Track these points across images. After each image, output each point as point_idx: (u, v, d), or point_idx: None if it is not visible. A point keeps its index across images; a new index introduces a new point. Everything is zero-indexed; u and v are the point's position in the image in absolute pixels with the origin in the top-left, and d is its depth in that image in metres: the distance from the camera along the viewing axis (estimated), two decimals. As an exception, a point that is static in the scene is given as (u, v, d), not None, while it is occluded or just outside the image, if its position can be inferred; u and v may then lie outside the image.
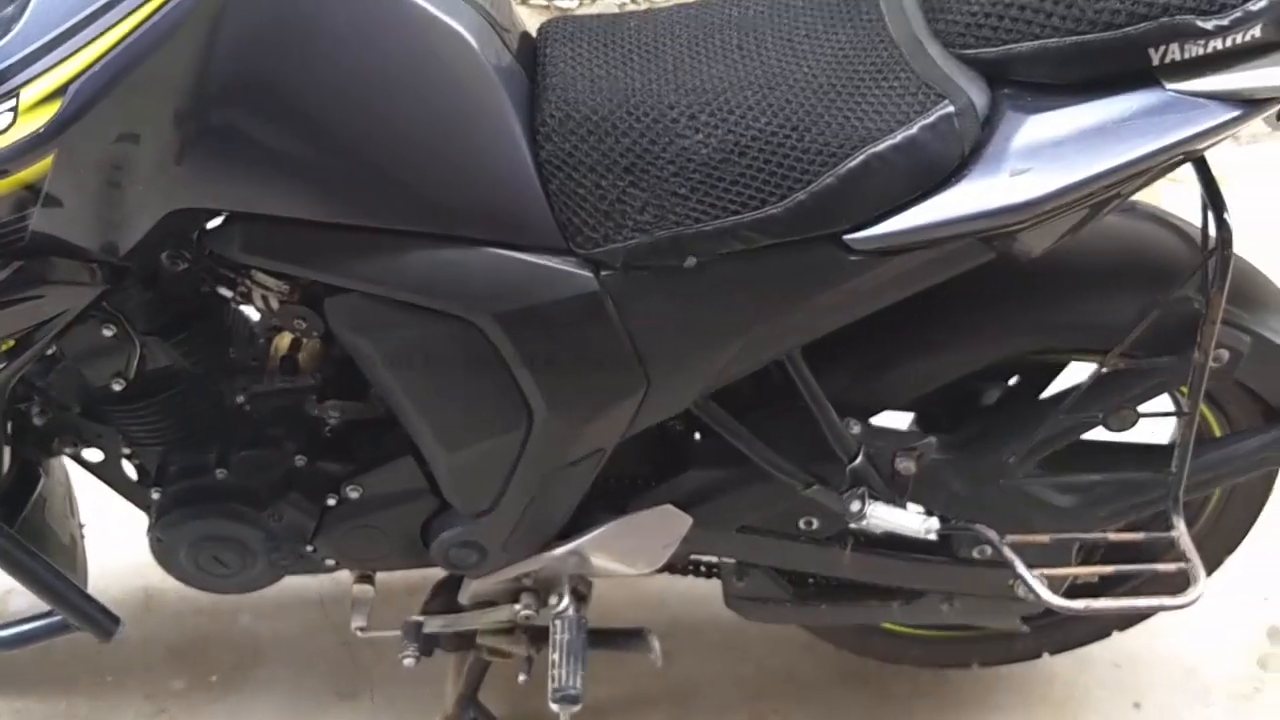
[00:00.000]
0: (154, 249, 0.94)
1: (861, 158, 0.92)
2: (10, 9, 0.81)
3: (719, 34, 1.03)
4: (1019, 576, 1.15)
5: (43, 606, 1.10)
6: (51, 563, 0.97)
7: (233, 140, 0.89)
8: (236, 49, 0.85)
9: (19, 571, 0.95)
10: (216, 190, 0.91)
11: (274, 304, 1.08)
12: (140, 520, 1.22)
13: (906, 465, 1.17)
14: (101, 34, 0.80)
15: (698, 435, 1.23)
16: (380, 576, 1.34)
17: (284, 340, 1.20)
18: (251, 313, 1.17)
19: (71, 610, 0.97)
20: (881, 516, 1.16)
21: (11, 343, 0.93)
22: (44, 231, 0.87)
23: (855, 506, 1.15)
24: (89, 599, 0.98)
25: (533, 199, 0.97)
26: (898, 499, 1.18)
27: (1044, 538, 1.19)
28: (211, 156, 0.89)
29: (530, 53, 1.04)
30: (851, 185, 0.93)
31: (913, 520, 1.16)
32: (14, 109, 0.80)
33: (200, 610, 1.63)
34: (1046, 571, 1.19)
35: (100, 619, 0.99)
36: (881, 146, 0.92)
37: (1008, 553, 1.16)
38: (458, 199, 0.96)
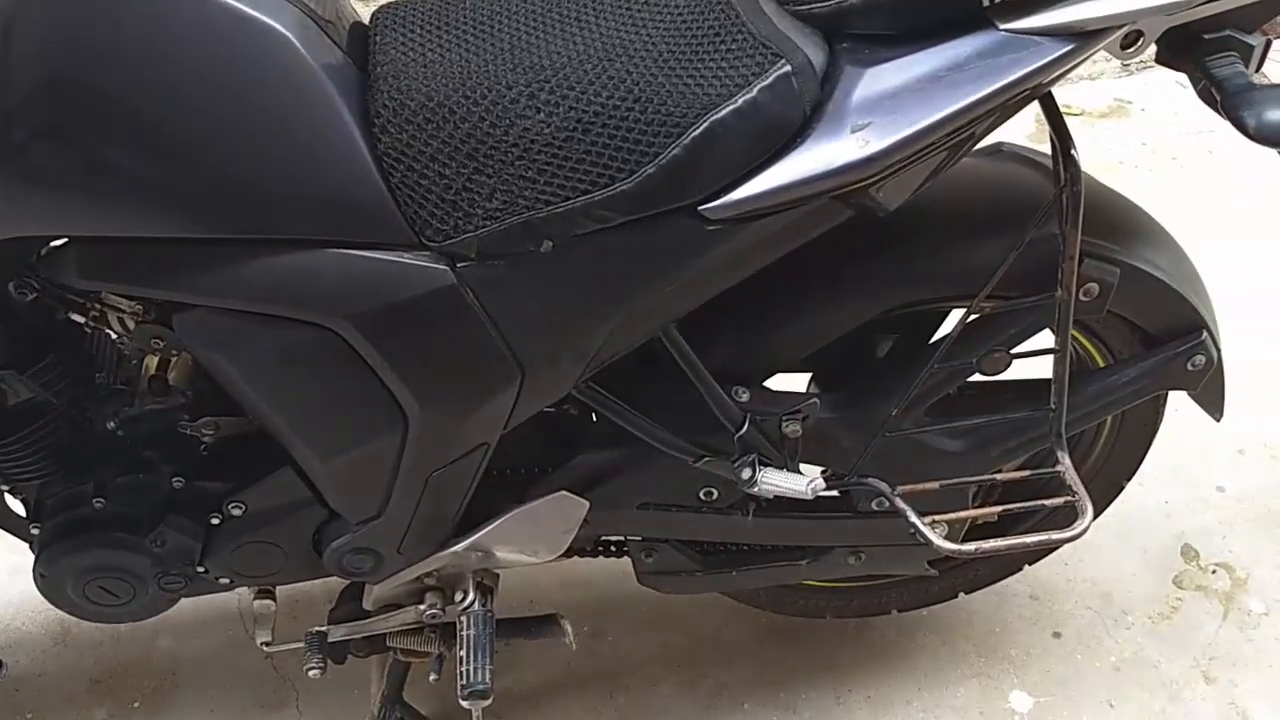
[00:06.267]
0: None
1: (705, 125, 0.90)
2: None
3: (556, 7, 1.00)
4: (911, 525, 1.15)
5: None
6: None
7: (41, 159, 0.84)
8: (32, 58, 0.81)
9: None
10: (30, 215, 0.86)
11: (129, 325, 1.04)
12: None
13: (793, 428, 1.16)
14: None
15: (594, 418, 1.22)
16: (301, 587, 1.31)
17: (155, 360, 1.16)
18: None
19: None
20: (772, 481, 1.15)
21: None
22: None
23: (746, 474, 1.14)
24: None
25: (375, 194, 0.93)
26: (789, 462, 1.18)
27: (933, 485, 1.19)
28: (20, 179, 0.84)
29: (362, 43, 1.00)
30: (698, 154, 0.91)
31: (798, 482, 1.15)
32: None
33: (119, 637, 1.60)
34: (944, 516, 1.19)
35: None
36: (723, 112, 0.90)
37: (899, 503, 1.16)
38: (293, 200, 0.92)
